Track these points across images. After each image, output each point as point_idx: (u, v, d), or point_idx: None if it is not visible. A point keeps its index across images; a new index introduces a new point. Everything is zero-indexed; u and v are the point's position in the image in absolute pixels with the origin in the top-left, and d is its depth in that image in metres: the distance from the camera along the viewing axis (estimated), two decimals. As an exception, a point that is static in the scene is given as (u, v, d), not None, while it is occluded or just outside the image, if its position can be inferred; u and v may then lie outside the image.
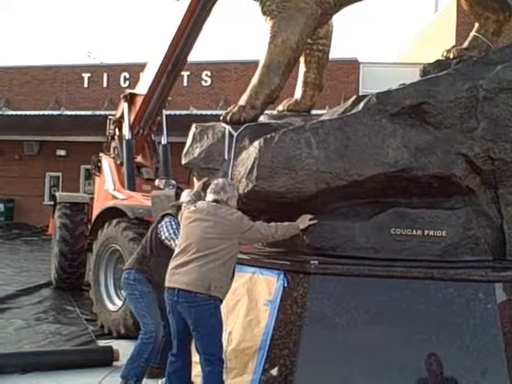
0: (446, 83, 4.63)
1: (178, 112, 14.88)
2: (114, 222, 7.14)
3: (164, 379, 4.99)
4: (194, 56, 9.43)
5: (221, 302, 4.13)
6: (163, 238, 4.89)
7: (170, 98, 9.54)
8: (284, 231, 4.37)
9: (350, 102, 4.97)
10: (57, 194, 10.44)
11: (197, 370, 4.36)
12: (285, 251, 4.80)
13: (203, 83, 18.93)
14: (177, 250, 4.27)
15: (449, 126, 4.60)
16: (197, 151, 5.09)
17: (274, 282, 4.41)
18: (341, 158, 4.58)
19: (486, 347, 4.00)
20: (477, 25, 5.65)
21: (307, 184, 4.58)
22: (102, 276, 7.36)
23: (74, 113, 18.53)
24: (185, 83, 18.39)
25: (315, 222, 4.59)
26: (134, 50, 42.47)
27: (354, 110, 4.73)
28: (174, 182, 7.93)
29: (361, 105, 4.71)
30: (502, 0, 5.50)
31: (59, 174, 20.77)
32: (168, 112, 10.07)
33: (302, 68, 5.71)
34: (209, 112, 15.29)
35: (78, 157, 18.99)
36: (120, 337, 6.66)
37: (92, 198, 9.81)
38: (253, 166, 4.64)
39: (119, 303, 7.04)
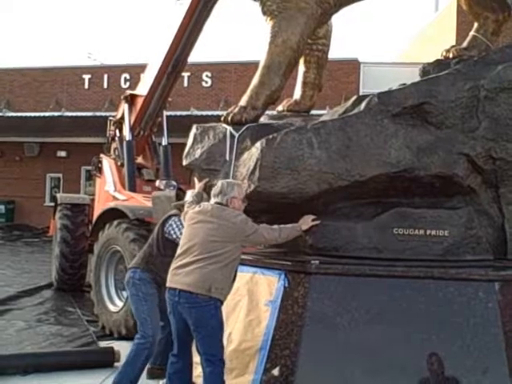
0: (447, 83, 4.63)
1: (178, 113, 14.88)
2: (115, 223, 7.14)
3: (165, 380, 5.00)
4: (195, 57, 9.44)
5: (221, 303, 4.13)
6: (174, 237, 4.90)
7: (170, 99, 9.54)
8: (287, 234, 4.37)
9: (350, 102, 4.97)
10: (57, 196, 10.45)
11: (198, 371, 4.36)
12: (285, 251, 4.80)
13: (203, 84, 18.93)
14: (179, 251, 4.26)
15: (450, 126, 4.61)
16: (198, 152, 5.09)
17: (274, 282, 4.41)
18: (343, 159, 4.58)
19: (486, 346, 4.00)
20: (476, 24, 5.65)
21: (309, 184, 4.57)
22: (102, 277, 7.36)
23: (74, 114, 18.54)
24: (185, 84, 18.39)
25: (318, 222, 4.59)
26: (134, 51, 42.48)
27: (356, 110, 4.73)
28: (174, 182, 7.94)
29: (362, 105, 4.71)
30: (501, 0, 5.50)
31: (60, 175, 20.78)
32: (168, 113, 10.07)
33: (302, 68, 5.71)
34: (209, 113, 15.29)
35: (79, 158, 19.00)
36: (121, 338, 6.65)
37: (93, 199, 9.82)
38: (255, 167, 4.64)
39: (120, 304, 7.04)
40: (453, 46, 5.62)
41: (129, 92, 9.45)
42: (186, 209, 4.59)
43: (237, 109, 5.02)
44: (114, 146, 9.50)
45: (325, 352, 4.13)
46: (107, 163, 9.25)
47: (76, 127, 17.84)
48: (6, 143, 20.23)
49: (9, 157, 20.90)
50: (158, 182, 8.14)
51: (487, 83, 4.58)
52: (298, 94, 5.78)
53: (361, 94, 13.34)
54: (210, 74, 18.89)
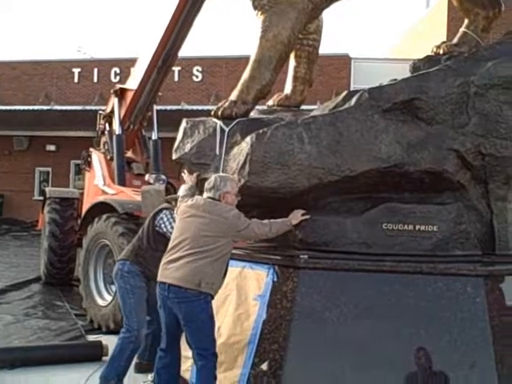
0: (437, 79, 4.64)
1: (168, 107, 14.83)
2: (104, 217, 7.13)
3: (153, 374, 5.00)
4: (185, 51, 9.42)
5: (212, 298, 4.11)
6: (165, 230, 4.90)
7: (160, 93, 9.53)
8: (278, 228, 4.37)
9: (341, 97, 4.97)
10: (46, 189, 10.41)
11: (186, 365, 4.36)
12: (274, 246, 4.80)
13: (194, 78, 18.88)
14: (170, 245, 4.25)
15: (440, 122, 4.61)
16: (188, 146, 5.07)
17: (263, 276, 4.41)
18: (333, 154, 4.57)
19: (474, 341, 4.03)
20: (466, 21, 5.67)
21: (299, 179, 4.57)
22: (91, 271, 7.36)
23: (64, 108, 18.42)
24: (176, 78, 18.32)
25: (307, 217, 4.59)
26: (124, 45, 42.30)
27: (346, 106, 4.73)
28: (164, 177, 7.92)
29: (353, 100, 4.71)
30: (492, -4, 5.53)
31: (49, 169, 20.69)
32: (159, 107, 10.05)
33: (292, 63, 5.70)
34: (200, 107, 15.25)
35: (68, 152, 18.93)
36: (109, 332, 6.65)
37: (82, 193, 9.80)
38: (245, 162, 4.63)
39: (109, 298, 7.03)
40: (443, 42, 5.64)
41: (119, 86, 9.43)
42: (178, 203, 4.57)
43: (227, 103, 5.01)
44: (103, 140, 9.48)
45: (313, 346, 4.13)
46: (97, 157, 9.23)
47: (65, 121, 17.75)
48: (-5, 137, 20.11)
49: (-2, 150, 20.78)
50: (147, 176, 8.12)
51: (477, 79, 4.59)
52: (288, 88, 5.77)
53: (352, 89, 13.35)
54: (200, 69, 18.84)
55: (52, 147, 20.18)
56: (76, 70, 19.91)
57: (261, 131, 4.65)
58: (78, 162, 11.67)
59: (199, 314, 4.05)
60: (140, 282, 4.92)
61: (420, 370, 4.08)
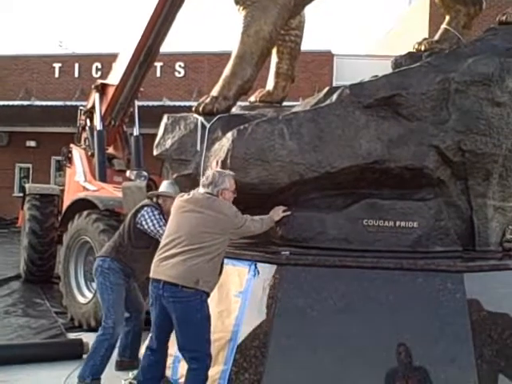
0: (418, 75, 4.65)
1: (150, 103, 14.75)
2: (85, 213, 7.08)
3: (135, 371, 4.97)
4: (168, 47, 9.36)
5: (208, 296, 4.01)
6: (146, 227, 4.86)
7: (142, 89, 9.47)
8: (267, 224, 4.37)
9: (322, 93, 4.98)
10: (26, 186, 10.31)
11: (167, 363, 4.33)
12: (256, 242, 4.79)
13: (176, 74, 18.80)
14: (165, 240, 4.09)
15: (421, 118, 4.63)
16: (169, 142, 5.05)
17: (245, 273, 4.40)
18: (314, 150, 4.58)
19: (454, 336, 4.05)
20: (447, 17, 5.71)
21: (280, 175, 4.57)
22: (72, 268, 7.31)
23: (44, 103, 18.25)
24: (158, 74, 18.23)
25: (288, 213, 4.59)
26: (106, 40, 41.99)
27: (328, 102, 4.73)
28: (145, 173, 7.88)
29: (334, 96, 4.71)
30: (473, -7, 5.57)
31: (29, 165, 20.48)
32: (141, 103, 9.99)
33: (274, 59, 5.70)
34: (182, 103, 15.18)
35: (49, 148, 18.75)
36: (90, 329, 6.59)
37: (63, 190, 9.71)
38: (226, 158, 4.61)
39: (89, 296, 6.99)
40: (425, 39, 5.68)
41: (100, 81, 9.34)
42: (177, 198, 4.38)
43: (208, 99, 4.99)
44: (84, 135, 9.40)
45: (294, 343, 4.13)
46: (77, 153, 9.14)
47: (46, 117, 17.58)
48: (-25, 132, 19.86)
49: (-23, 146, 20.53)
50: (128, 173, 8.07)
51: (458, 76, 4.61)
52: (270, 84, 5.77)
53: (334, 85, 13.39)
54: (183, 64, 18.76)
55: (32, 143, 19.98)
56: (57, 65, 19.72)
57: (242, 127, 4.65)
58: (59, 158, 11.56)
59: (195, 314, 3.91)
60: (120, 279, 4.89)
61: (401, 365, 4.10)
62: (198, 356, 3.96)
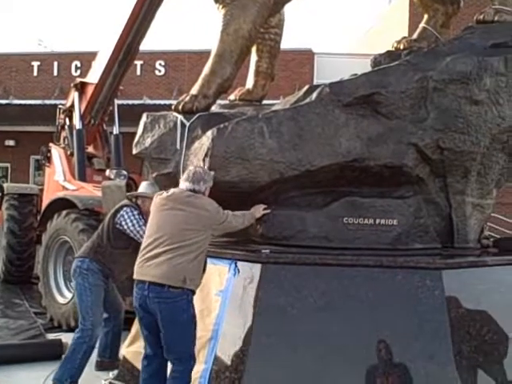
0: (397, 74, 4.67)
1: (131, 102, 14.65)
2: (64, 213, 7.05)
3: (115, 371, 4.95)
4: (148, 45, 9.31)
5: (193, 294, 3.95)
6: (125, 228, 4.83)
7: (122, 88, 9.43)
8: (249, 220, 4.37)
9: (302, 91, 4.98)
10: (4, 185, 10.23)
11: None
12: (236, 241, 4.79)
13: (157, 72, 18.69)
14: (147, 240, 4.00)
15: (400, 117, 4.65)
16: (148, 141, 5.03)
17: (225, 271, 4.38)
18: (294, 148, 4.58)
19: (433, 333, 4.07)
20: (426, 16, 5.75)
21: (261, 174, 4.56)
22: (51, 268, 7.28)
23: (23, 102, 18.03)
24: (138, 72, 18.11)
25: (268, 211, 4.58)
26: (86, 38, 41.63)
27: (307, 100, 4.73)
28: (125, 172, 7.85)
29: (314, 95, 4.71)
30: (451, -8, 5.61)
31: (8, 164, 20.22)
32: (121, 101, 9.94)
33: (254, 57, 5.70)
34: (162, 102, 15.10)
35: (28, 147, 18.53)
36: (70, 330, 6.55)
37: (42, 189, 9.63)
38: (206, 156, 4.60)
39: (69, 296, 6.95)
40: (404, 38, 5.71)
41: (79, 80, 9.29)
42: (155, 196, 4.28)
43: (188, 97, 4.97)
44: (63, 134, 9.34)
45: (275, 341, 4.13)
46: (57, 152, 9.08)
47: (25, 115, 17.37)
48: (-48, 132, 19.58)
49: (-46, 146, 20.24)
50: (108, 172, 8.03)
51: (436, 74, 4.63)
52: (250, 83, 5.77)
53: (315, 84, 13.42)
54: (163, 63, 18.66)
55: (11, 142, 19.73)
56: (35, 64, 19.50)
57: (222, 126, 4.63)
58: (38, 157, 11.46)
59: (181, 315, 3.84)
60: (98, 280, 4.85)
61: (381, 361, 4.12)
62: (183, 357, 3.90)
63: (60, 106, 9.69)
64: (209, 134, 4.65)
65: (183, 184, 4.11)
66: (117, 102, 9.44)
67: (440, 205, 4.88)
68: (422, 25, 5.73)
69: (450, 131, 4.65)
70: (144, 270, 3.92)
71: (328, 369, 4.04)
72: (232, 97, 5.77)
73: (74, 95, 9.00)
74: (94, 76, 8.86)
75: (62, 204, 7.35)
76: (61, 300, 7.05)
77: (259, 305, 4.20)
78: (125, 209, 4.90)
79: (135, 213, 4.86)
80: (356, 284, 4.20)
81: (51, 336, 6.49)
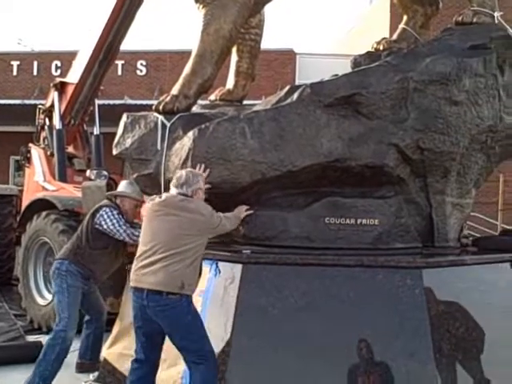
0: (377, 75, 4.69)
1: (112, 101, 14.56)
2: (44, 214, 6.99)
3: (96, 373, 4.92)
4: (129, 45, 9.27)
5: (191, 298, 3.92)
6: (105, 227, 4.80)
7: (102, 88, 9.37)
8: (236, 222, 4.38)
9: (283, 92, 4.98)
10: (-17, 186, 10.09)
11: (128, 364, 4.29)
12: (217, 241, 4.77)
13: (138, 72, 18.61)
14: (142, 247, 3.95)
15: (381, 117, 4.67)
16: (128, 141, 5.00)
17: (206, 272, 4.37)
18: (275, 149, 4.58)
19: (413, 331, 4.10)
20: (405, 17, 5.78)
21: (242, 175, 4.56)
22: (31, 270, 7.22)
23: (2, 102, 17.83)
24: (119, 72, 18.01)
25: (251, 212, 4.58)
26: (66, 38, 41.29)
27: (289, 101, 4.74)
28: (105, 172, 7.80)
29: (295, 95, 4.72)
30: (431, -6, 5.66)
31: (-13, 165, 20.02)
32: (102, 101, 9.87)
33: (234, 57, 5.69)
34: (144, 102, 15.02)
35: (7, 147, 18.32)
36: (50, 332, 6.46)
37: (22, 190, 9.54)
38: (187, 157, 4.59)
39: (49, 297, 6.90)
40: (383, 38, 5.74)
41: (59, 79, 9.21)
42: (147, 201, 4.23)
43: (168, 98, 4.96)
44: (43, 135, 9.25)
45: (256, 341, 4.13)
46: (36, 153, 8.99)
47: (4, 115, 17.18)
48: None
49: None
50: (88, 172, 7.98)
51: (416, 75, 4.66)
52: (230, 83, 5.76)
53: (296, 84, 13.45)
54: (144, 63, 18.57)
55: (-10, 142, 19.54)
56: (15, 63, 19.29)
57: (203, 126, 4.62)
58: (18, 157, 11.35)
59: (185, 317, 3.83)
60: (77, 282, 4.82)
61: (362, 360, 4.14)
62: (203, 354, 3.85)
63: (40, 106, 9.59)
64: (190, 134, 4.63)
65: (172, 189, 4.09)
66: (98, 101, 9.36)
67: (420, 204, 4.92)
68: (401, 26, 5.77)
69: (430, 131, 4.68)
70: (141, 277, 3.86)
71: (310, 368, 4.05)
72: (212, 97, 5.76)
73: (53, 95, 8.92)
74: (74, 76, 8.79)
75: (41, 205, 7.29)
76: (41, 302, 6.99)
77: (240, 305, 4.20)
78: (104, 209, 4.88)
79: (114, 212, 4.84)
80: (337, 284, 4.22)
81: (31, 338, 6.42)
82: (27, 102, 16.63)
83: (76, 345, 5.32)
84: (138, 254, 3.99)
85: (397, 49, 5.33)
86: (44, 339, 5.88)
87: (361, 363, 4.13)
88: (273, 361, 4.10)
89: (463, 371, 4.23)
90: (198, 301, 4.33)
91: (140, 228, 4.97)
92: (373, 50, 5.60)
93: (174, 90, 5.00)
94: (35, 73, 19.01)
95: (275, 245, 4.63)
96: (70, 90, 8.73)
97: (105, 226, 4.82)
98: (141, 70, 18.62)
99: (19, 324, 7.07)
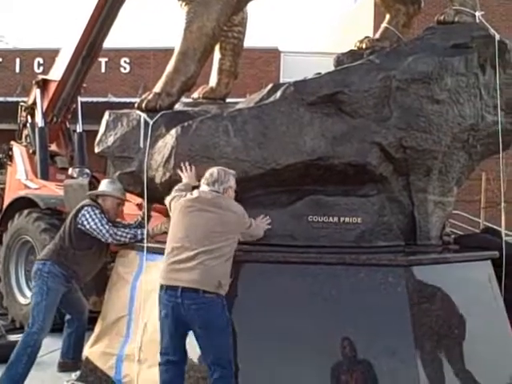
0: (360, 73, 4.70)
1: (95, 99, 14.49)
2: (25, 212, 6.95)
3: (78, 373, 4.89)
4: (113, 42, 9.22)
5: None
6: (87, 227, 4.76)
7: (85, 85, 9.29)
8: (261, 231, 4.44)
9: (266, 90, 4.97)
10: (-36, 185, 9.99)
11: (111, 362, 4.27)
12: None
13: (122, 70, 18.53)
14: (173, 243, 3.88)
15: (363, 116, 4.67)
16: (111, 139, 4.97)
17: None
18: (259, 147, 4.58)
19: (395, 329, 4.12)
20: (388, 16, 5.80)
21: (226, 173, 4.54)
22: (12, 268, 7.18)
23: (-16, 99, 17.69)
24: (103, 70, 17.93)
25: (269, 221, 4.54)
26: (49, 35, 40.99)
27: (272, 99, 4.73)
28: (88, 170, 7.76)
29: (278, 93, 4.72)
30: (413, -7, 5.68)
31: (-31, 163, 19.80)
32: (85, 99, 9.81)
33: (217, 55, 5.68)
34: (128, 99, 14.96)
35: (-11, 145, 18.17)
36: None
37: (3, 188, 9.45)
38: (170, 155, 4.57)
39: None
40: (366, 37, 5.75)
41: (41, 77, 9.13)
42: (177, 197, 4.14)
43: (151, 95, 4.93)
44: (25, 132, 9.15)
45: (240, 340, 4.12)
46: (18, 151, 8.91)
47: (-14, 113, 17.03)
48: None
49: None
50: (70, 170, 7.93)
51: (398, 74, 4.68)
52: (213, 81, 5.75)
53: (281, 82, 13.45)
54: (128, 60, 18.51)
55: (-28, 140, 19.34)
56: (-4, 60, 19.14)
57: (186, 124, 4.61)
58: (-1, 155, 11.26)
59: (218, 320, 3.78)
60: (59, 285, 4.78)
61: (345, 359, 4.15)
62: (224, 363, 3.81)
63: (22, 104, 9.50)
64: (173, 132, 4.62)
65: (203, 186, 4.06)
66: (81, 99, 9.31)
67: (403, 203, 4.94)
68: (383, 25, 5.78)
69: (413, 130, 4.70)
70: (174, 274, 3.79)
71: (291, 367, 4.05)
72: (195, 95, 5.75)
73: (36, 92, 8.85)
74: (56, 73, 8.72)
75: (23, 203, 7.24)
76: (22, 301, 6.95)
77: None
78: (86, 208, 4.84)
79: (97, 212, 4.81)
80: (319, 282, 4.23)
81: (13, 337, 6.35)
82: (9, 99, 16.51)
83: (57, 344, 5.30)
84: (168, 250, 3.93)
85: (379, 48, 5.35)
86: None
87: (343, 361, 4.15)
88: (255, 359, 4.10)
89: (445, 368, 4.26)
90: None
91: (123, 227, 4.96)
92: (356, 48, 5.61)
93: (157, 88, 4.98)
94: (17, 70, 18.86)
95: (258, 243, 4.62)
96: (52, 87, 8.66)
97: (87, 226, 4.78)
98: (124, 68, 18.55)
99: (0, 323, 6.98)
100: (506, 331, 4.78)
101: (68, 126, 9.50)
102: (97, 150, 5.03)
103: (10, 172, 9.20)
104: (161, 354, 3.94)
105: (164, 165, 4.61)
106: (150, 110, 4.85)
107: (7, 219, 7.43)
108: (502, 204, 6.03)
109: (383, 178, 4.84)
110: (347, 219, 4.74)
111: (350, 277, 4.23)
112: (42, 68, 17.84)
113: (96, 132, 5.16)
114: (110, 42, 8.77)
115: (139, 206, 6.04)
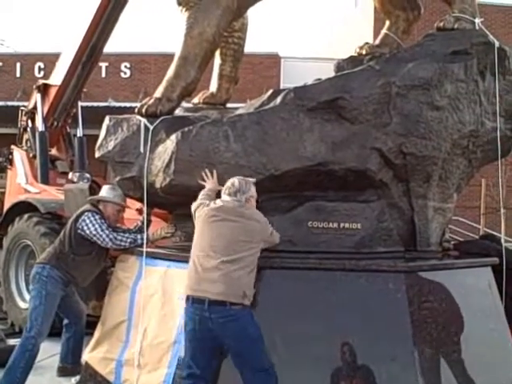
0: (360, 79, 4.71)
1: (95, 104, 14.51)
2: (26, 216, 6.96)
3: (78, 377, 4.88)
4: (113, 47, 9.24)
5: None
6: (87, 232, 4.77)
7: (85, 90, 9.34)
8: (278, 238, 4.36)
9: (266, 95, 4.98)
10: (-37, 189, 10.00)
11: (110, 367, 4.27)
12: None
13: (122, 75, 18.55)
14: (198, 252, 3.88)
15: (363, 121, 4.68)
16: (111, 144, 4.98)
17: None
18: (259, 152, 4.58)
19: (395, 335, 4.12)
20: (388, 23, 5.82)
21: (225, 178, 4.53)
22: (12, 272, 7.18)
23: (-16, 103, 17.70)
24: (103, 74, 17.95)
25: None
26: (50, 40, 41.03)
27: (272, 104, 4.74)
28: (88, 175, 7.77)
29: (278, 99, 4.73)
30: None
31: (-31, 167, 19.80)
32: (85, 104, 9.85)
33: (218, 61, 5.70)
34: (128, 104, 14.99)
35: (-11, 149, 18.17)
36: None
37: (4, 192, 9.47)
38: (170, 160, 4.58)
39: (30, 301, 6.82)
40: (366, 43, 5.77)
41: (42, 81, 9.16)
42: (201, 206, 4.13)
43: (151, 100, 4.94)
44: (26, 137, 9.20)
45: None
46: (19, 155, 8.95)
47: (-14, 117, 17.05)
48: None
49: None
50: (71, 175, 7.95)
51: (398, 80, 4.68)
52: (214, 86, 5.76)
53: (281, 88, 13.46)
54: (128, 65, 18.53)
55: (-28, 144, 19.34)
56: (-3, 64, 19.16)
57: (186, 129, 4.62)
58: (0, 159, 11.26)
59: (247, 329, 3.78)
60: (57, 289, 4.77)
61: (345, 364, 4.15)
62: (265, 369, 3.82)
63: (22, 108, 9.54)
64: (173, 137, 4.62)
65: (225, 197, 4.07)
66: (81, 104, 9.35)
67: (403, 209, 4.94)
68: (383, 31, 5.80)
69: (412, 136, 4.70)
70: (201, 285, 3.79)
71: (291, 372, 4.04)
72: (196, 100, 5.76)
73: (36, 97, 8.89)
74: (57, 77, 8.75)
75: (23, 207, 7.25)
76: (22, 305, 6.95)
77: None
78: (86, 213, 4.84)
79: (97, 217, 4.81)
80: (319, 287, 4.22)
81: (12, 342, 6.35)
82: (10, 103, 16.52)
83: (56, 348, 5.29)
84: (192, 259, 3.92)
85: (379, 54, 5.36)
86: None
87: (343, 367, 4.14)
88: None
89: (445, 375, 4.25)
90: (180, 304, 4.31)
91: (123, 232, 4.97)
92: (356, 54, 5.62)
93: (157, 93, 4.99)
94: (18, 74, 18.88)
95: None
96: (52, 91, 8.69)
97: (87, 232, 4.79)
98: (125, 73, 18.57)
99: (0, 327, 6.99)
100: (506, 338, 4.78)
101: (68, 130, 9.53)
102: (97, 154, 5.04)
103: (10, 176, 9.22)
104: (184, 367, 3.92)
105: (164, 170, 4.61)
106: (151, 115, 4.86)
107: (7, 223, 7.45)
108: (502, 210, 6.05)
109: (383, 183, 4.84)
110: (347, 225, 4.74)
111: (350, 283, 4.23)
112: (42, 72, 17.86)
113: (96, 137, 5.17)
114: (110, 47, 8.80)
115: (139, 211, 6.05)
